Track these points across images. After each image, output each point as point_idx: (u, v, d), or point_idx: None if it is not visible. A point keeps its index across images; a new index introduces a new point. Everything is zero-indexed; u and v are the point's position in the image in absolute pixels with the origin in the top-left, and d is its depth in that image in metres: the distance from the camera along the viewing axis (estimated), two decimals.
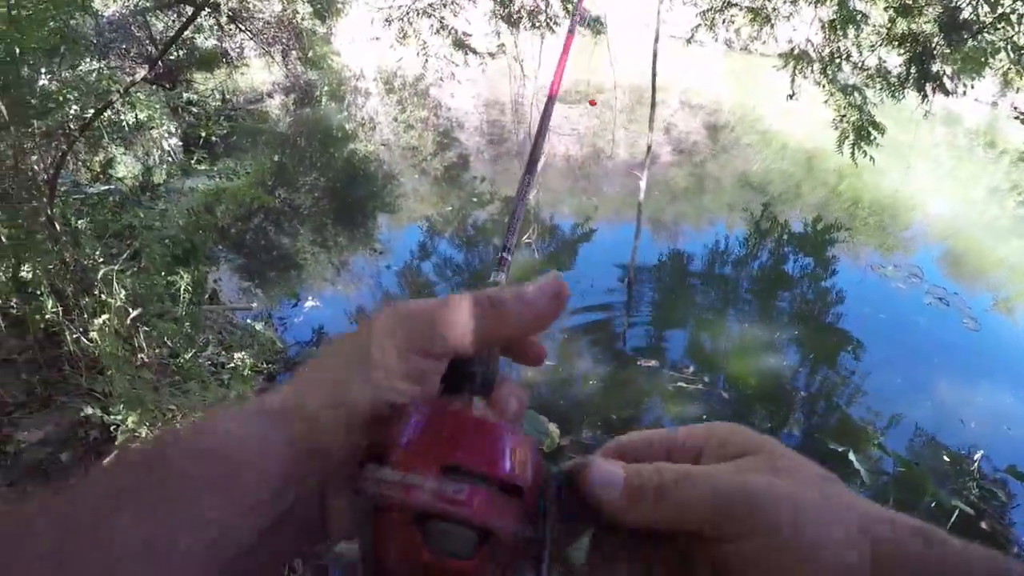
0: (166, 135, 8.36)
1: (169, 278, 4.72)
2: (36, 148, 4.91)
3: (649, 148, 7.48)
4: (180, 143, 8.99)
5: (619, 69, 10.70)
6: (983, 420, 5.79)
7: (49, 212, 4.75)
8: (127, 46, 10.08)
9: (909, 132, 12.56)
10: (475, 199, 10.28)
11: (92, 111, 5.15)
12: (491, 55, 7.70)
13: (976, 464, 4.26)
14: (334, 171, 11.21)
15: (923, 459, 5.11)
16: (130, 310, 4.22)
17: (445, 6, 7.31)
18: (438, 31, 7.36)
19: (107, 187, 7.28)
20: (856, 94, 6.63)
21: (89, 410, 3.73)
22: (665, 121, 14.66)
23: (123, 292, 4.27)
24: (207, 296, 6.08)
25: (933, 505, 4.10)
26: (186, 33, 10.60)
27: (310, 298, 6.30)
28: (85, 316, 4.33)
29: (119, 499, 0.34)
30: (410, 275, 8.02)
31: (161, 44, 10.79)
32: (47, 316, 4.29)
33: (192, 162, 8.94)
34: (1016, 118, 8.55)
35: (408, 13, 7.34)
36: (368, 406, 0.41)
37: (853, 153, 6.64)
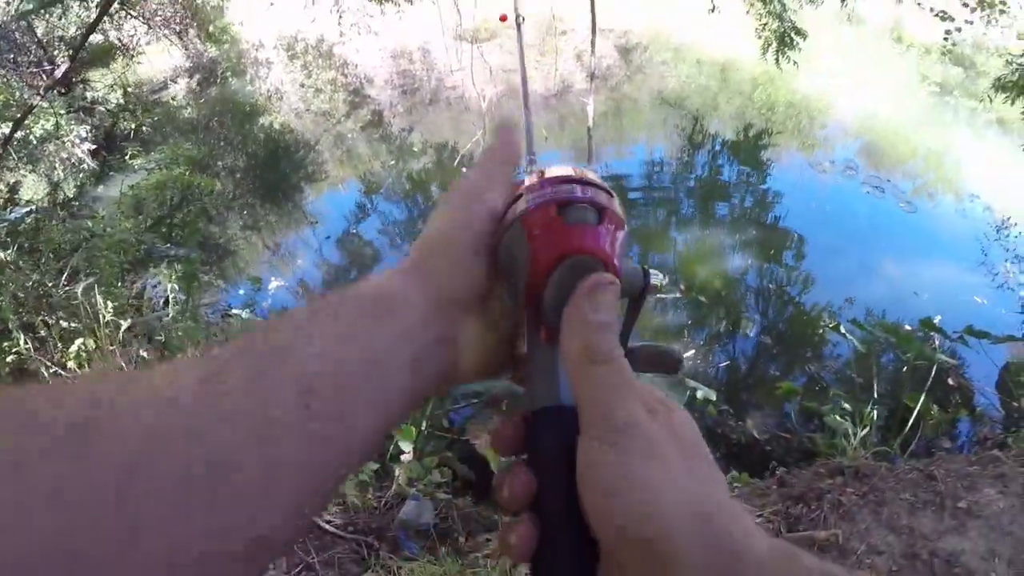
0: (76, 141, 7.97)
1: (144, 282, 4.56)
2: None
3: (593, 75, 7.60)
4: (92, 146, 8.59)
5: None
6: (933, 290, 6.28)
7: None
8: (13, 55, 9.53)
9: (816, 35, 12.87)
10: (402, 152, 10.19)
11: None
12: (408, 1, 7.50)
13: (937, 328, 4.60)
14: (252, 149, 10.89)
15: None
16: (121, 322, 4.09)
17: None
18: None
19: (27, 209, 6.98)
20: (776, 2, 6.76)
21: None
22: (576, 48, 14.58)
23: (103, 308, 4.11)
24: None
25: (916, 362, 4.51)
26: (74, 31, 10.05)
27: (272, 279, 6.19)
28: (57, 345, 4.14)
29: (308, 330, 0.40)
30: (348, 241, 7.98)
31: (46, 45, 10.24)
32: (8, 358, 4.07)
33: (106, 166, 8.58)
34: (937, 16, 8.89)
35: None
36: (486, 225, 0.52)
37: (777, 60, 6.83)
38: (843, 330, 4.78)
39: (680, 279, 6.56)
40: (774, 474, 3.56)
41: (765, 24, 6.88)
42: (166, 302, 6.02)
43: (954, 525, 2.71)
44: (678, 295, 6.26)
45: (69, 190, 8.00)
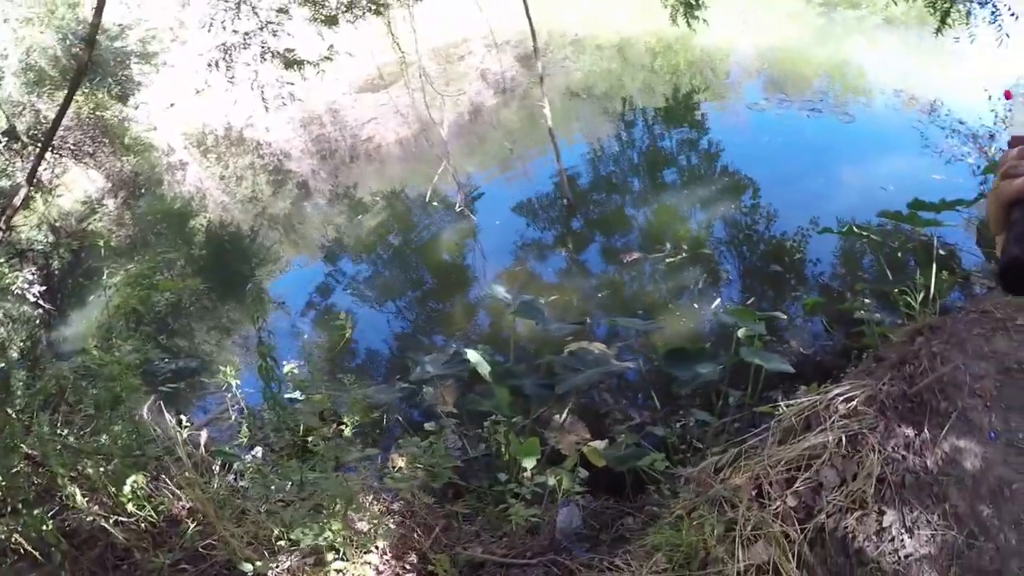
0: (25, 286, 7.69)
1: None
2: None
3: (541, 79, 7.73)
4: (42, 287, 8.29)
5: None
6: (895, 182, 6.61)
7: None
8: None
9: None
10: (354, 210, 10.17)
11: None
12: (327, 59, 7.48)
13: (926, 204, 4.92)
14: (196, 252, 10.67)
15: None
16: (197, 439, 3.91)
17: (262, 30, 7.00)
18: (263, 57, 7.04)
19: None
20: None
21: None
22: (478, 69, 14.80)
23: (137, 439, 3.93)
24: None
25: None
26: None
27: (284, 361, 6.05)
28: (109, 493, 3.89)
29: None
30: (321, 314, 7.72)
31: None
32: (48, 527, 3.78)
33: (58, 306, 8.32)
34: None
35: (229, 50, 6.99)
36: None
37: (688, 23, 7.10)
38: (855, 230, 5.10)
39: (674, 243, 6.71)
40: (861, 359, 4.04)
41: None
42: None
43: (1021, 339, 3.25)
44: (681, 255, 6.42)
45: (19, 344, 7.72)
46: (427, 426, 4.36)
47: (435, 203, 8.96)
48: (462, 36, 16.19)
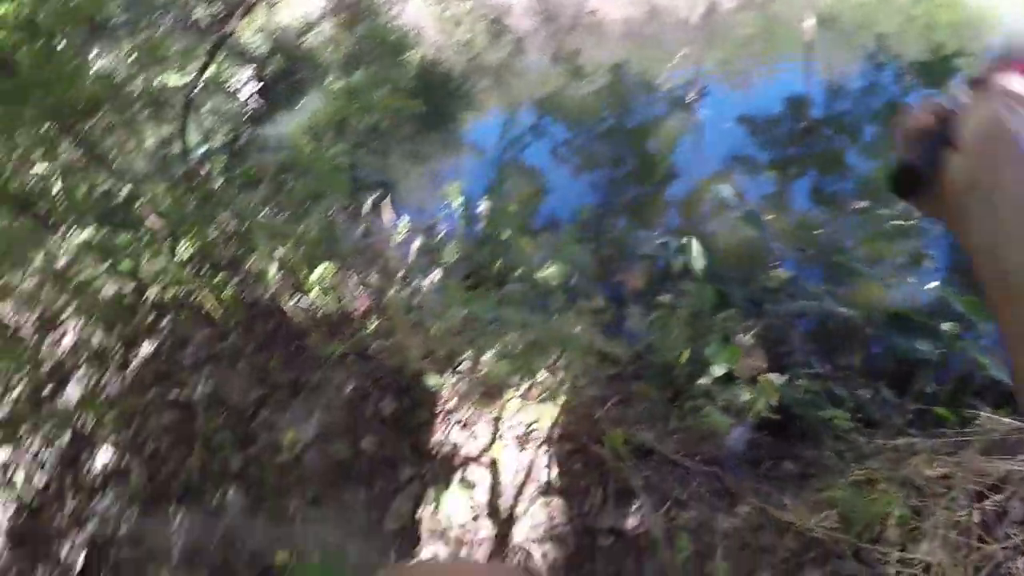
0: (240, 84, 7.92)
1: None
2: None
3: None
4: (259, 84, 8.55)
5: None
6: None
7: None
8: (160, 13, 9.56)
9: None
10: (574, 75, 9.78)
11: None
12: None
13: None
14: (404, 85, 10.69)
15: None
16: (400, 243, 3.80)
17: None
18: None
19: (203, 149, 6.91)
20: None
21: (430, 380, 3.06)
22: None
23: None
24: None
25: None
26: None
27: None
28: (297, 277, 3.89)
29: None
30: (512, 163, 7.64)
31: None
32: (225, 294, 3.85)
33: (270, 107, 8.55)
34: None
35: None
36: None
37: None
38: None
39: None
40: None
41: None
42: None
43: None
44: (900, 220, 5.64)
45: (229, 133, 7.97)
46: (660, 298, 4.03)
47: (665, 88, 8.40)
48: None
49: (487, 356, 2.89)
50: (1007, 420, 2.95)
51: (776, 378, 3.96)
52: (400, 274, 3.85)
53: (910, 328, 4.12)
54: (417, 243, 3.90)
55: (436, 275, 3.78)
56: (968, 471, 2.70)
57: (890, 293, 4.97)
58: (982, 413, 3.11)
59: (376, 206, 3.89)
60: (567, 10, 13.17)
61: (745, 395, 3.36)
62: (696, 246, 4.31)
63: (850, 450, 3.18)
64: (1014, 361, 0.66)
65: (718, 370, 3.54)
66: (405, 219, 3.82)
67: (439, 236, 4.32)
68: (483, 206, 4.92)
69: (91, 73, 3.93)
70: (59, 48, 3.51)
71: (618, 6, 12.65)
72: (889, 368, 4.07)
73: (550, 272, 3.79)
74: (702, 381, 3.51)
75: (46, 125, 3.62)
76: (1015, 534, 2.50)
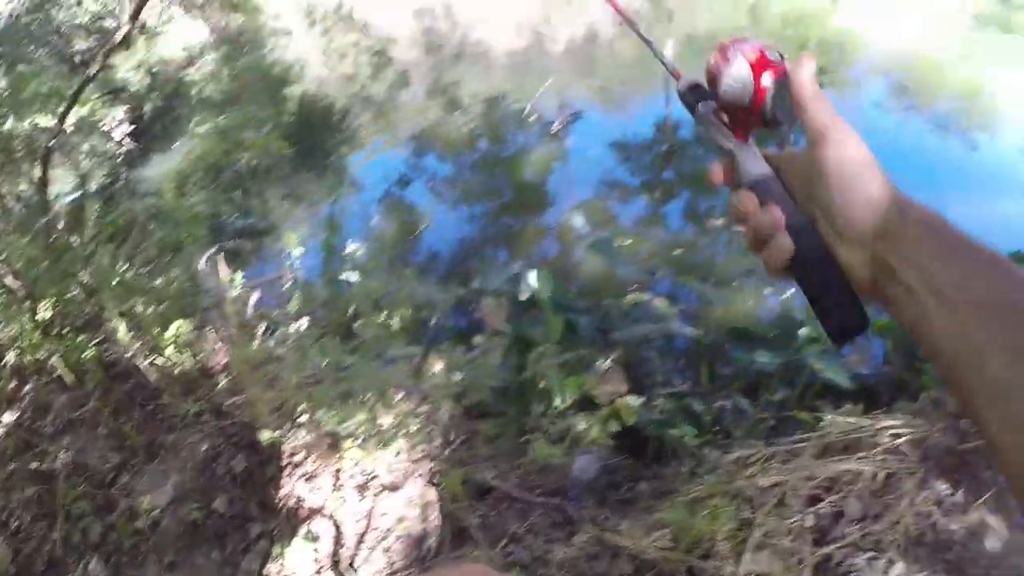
0: (114, 123, 7.78)
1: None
2: None
3: (670, 15, 7.41)
4: (131, 127, 8.40)
5: None
6: (1004, 228, 5.91)
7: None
8: (33, 48, 9.28)
9: None
10: (450, 107, 9.97)
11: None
12: None
13: None
14: (284, 121, 10.67)
15: None
16: (246, 299, 3.87)
17: None
18: None
19: (73, 195, 6.78)
20: None
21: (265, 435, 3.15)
22: None
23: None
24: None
25: None
26: (87, 16, 9.79)
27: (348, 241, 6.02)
28: (152, 334, 3.91)
29: None
30: (392, 202, 7.74)
31: (64, 33, 10.02)
32: (86, 355, 3.81)
33: (144, 148, 8.40)
34: None
35: None
36: None
37: None
38: None
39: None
40: (917, 397, 3.61)
41: None
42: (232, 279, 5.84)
43: None
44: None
45: (99, 177, 7.82)
46: (476, 339, 4.22)
47: (532, 119, 8.72)
48: None
49: (324, 408, 3.03)
50: (844, 420, 3.18)
51: (633, 400, 4.21)
52: (257, 328, 3.93)
53: (750, 341, 4.41)
54: (255, 297, 3.98)
55: (293, 327, 3.89)
56: (799, 477, 2.96)
57: (747, 307, 5.38)
58: (826, 416, 3.33)
59: (212, 259, 3.95)
60: (452, 40, 13.43)
61: (582, 424, 3.58)
62: (540, 277, 4.50)
63: (701, 465, 3.41)
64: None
65: (560, 401, 3.74)
66: (239, 274, 3.90)
67: (286, 286, 4.40)
68: (350, 248, 5.03)
69: None
70: None
71: (503, 36, 12.96)
72: (746, 380, 4.36)
73: (395, 317, 3.95)
74: (553, 411, 3.71)
75: None
76: (852, 532, 2.76)
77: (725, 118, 0.77)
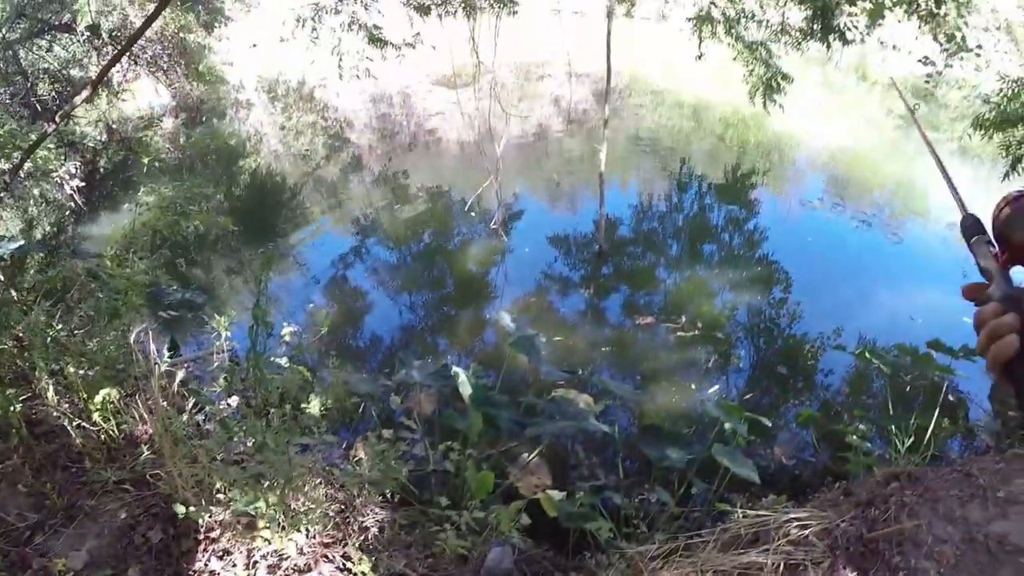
0: (67, 176, 7.84)
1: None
2: None
3: (605, 122, 7.81)
4: (81, 183, 8.46)
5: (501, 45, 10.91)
6: (927, 315, 6.60)
7: None
8: None
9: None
10: (396, 196, 10.28)
11: None
12: (410, 45, 7.66)
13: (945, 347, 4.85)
14: (236, 192, 10.82)
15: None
16: (175, 372, 3.97)
17: (356, 0, 7.20)
18: (350, 27, 7.23)
19: (16, 244, 6.77)
20: (762, 49, 7.05)
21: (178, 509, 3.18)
22: (552, 94, 14.95)
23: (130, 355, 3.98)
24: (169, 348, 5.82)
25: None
26: (55, 63, 9.93)
27: (285, 323, 6.11)
28: (80, 397, 3.99)
29: None
30: (337, 285, 7.90)
31: (30, 76, 10.12)
32: (14, 409, 3.86)
33: (91, 204, 8.44)
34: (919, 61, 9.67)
35: (319, 10, 7.18)
36: None
37: (764, 103, 7.10)
38: (868, 355, 5.02)
39: (692, 318, 6.73)
40: (836, 486, 3.88)
41: (752, 70, 7.15)
42: (171, 351, 5.90)
43: (998, 512, 3.07)
44: (695, 332, 6.45)
45: (45, 227, 7.83)
46: (384, 432, 4.34)
47: (473, 213, 9.10)
48: (545, 58, 16.41)
49: (238, 489, 3.13)
50: (754, 512, 3.34)
51: (555, 494, 4.37)
52: (186, 402, 4.03)
53: (661, 438, 4.54)
54: (182, 374, 4.09)
55: (223, 404, 4.00)
56: (703, 568, 3.08)
57: (671, 403, 5.67)
58: (737, 510, 3.49)
59: (146, 330, 4.06)
60: (407, 129, 13.86)
61: (493, 516, 3.73)
62: (460, 372, 4.64)
63: (608, 560, 3.56)
64: None
65: (473, 494, 3.89)
66: (165, 353, 4.02)
67: (214, 366, 4.51)
68: (286, 330, 5.13)
69: None
70: None
71: (456, 128, 13.43)
72: (668, 473, 4.56)
73: (314, 403, 4.09)
74: (469, 503, 3.85)
75: None
76: None
77: (995, 250, 0.96)
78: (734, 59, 7.34)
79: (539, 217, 9.52)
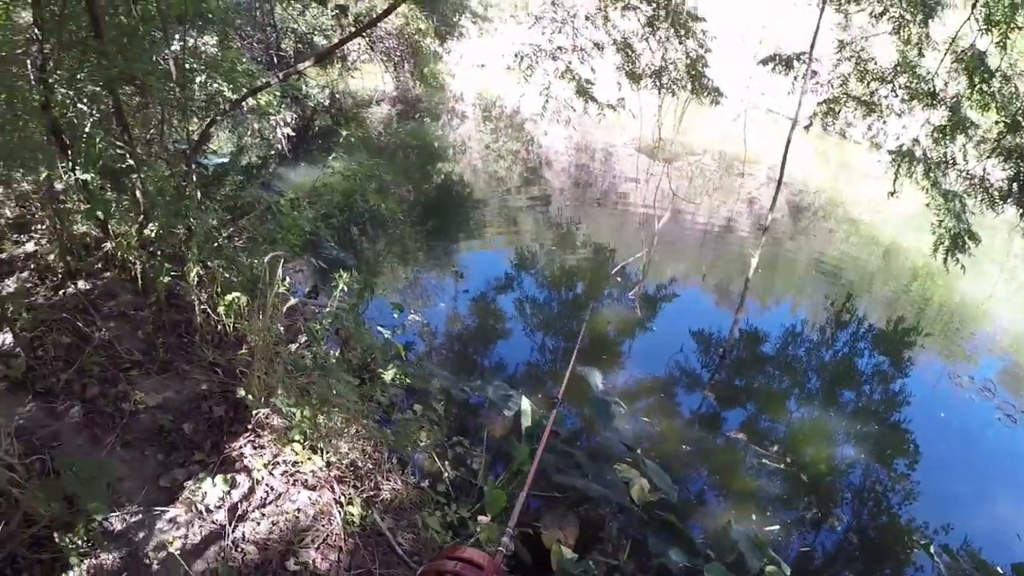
0: (282, 123, 8.74)
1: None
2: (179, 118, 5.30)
3: (766, 228, 7.67)
4: (291, 133, 9.39)
5: (711, 133, 10.91)
6: None
7: (191, 179, 5.14)
8: (251, 29, 10.64)
9: (986, 239, 12.52)
10: (561, 240, 10.60)
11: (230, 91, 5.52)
12: (611, 107, 8.01)
13: None
14: (425, 188, 11.54)
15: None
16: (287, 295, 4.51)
17: (573, 51, 7.66)
18: (563, 75, 7.71)
19: (221, 160, 7.63)
20: (957, 201, 6.70)
21: (241, 393, 3.87)
22: (750, 193, 14.81)
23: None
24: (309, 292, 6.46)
25: None
26: (303, 25, 11.07)
27: (411, 311, 6.50)
28: (216, 291, 4.64)
29: None
30: (484, 304, 8.28)
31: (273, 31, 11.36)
32: (166, 279, 4.51)
33: (296, 152, 9.27)
34: None
35: (538, 52, 7.71)
36: None
37: (946, 259, 6.68)
38: (932, 552, 4.57)
39: (786, 451, 6.42)
40: None
41: (941, 221, 6.78)
42: (310, 293, 6.50)
43: None
44: (781, 466, 6.17)
45: (251, 157, 8.71)
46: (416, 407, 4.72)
47: (620, 279, 9.28)
48: (758, 155, 16.34)
49: (286, 392, 3.61)
50: None
51: (569, 553, 4.35)
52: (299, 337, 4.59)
53: (673, 535, 4.48)
54: (292, 302, 4.59)
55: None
56: None
57: (704, 511, 5.49)
58: None
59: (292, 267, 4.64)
60: (600, 184, 14.19)
61: (479, 526, 3.94)
62: (526, 403, 4.89)
63: None
64: None
65: (491, 510, 4.05)
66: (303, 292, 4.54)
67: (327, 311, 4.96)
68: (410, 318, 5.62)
69: None
70: None
71: (644, 196, 13.61)
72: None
73: (389, 373, 4.48)
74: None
75: None
76: None
77: None
78: (927, 204, 7.01)
79: (680, 303, 9.48)
